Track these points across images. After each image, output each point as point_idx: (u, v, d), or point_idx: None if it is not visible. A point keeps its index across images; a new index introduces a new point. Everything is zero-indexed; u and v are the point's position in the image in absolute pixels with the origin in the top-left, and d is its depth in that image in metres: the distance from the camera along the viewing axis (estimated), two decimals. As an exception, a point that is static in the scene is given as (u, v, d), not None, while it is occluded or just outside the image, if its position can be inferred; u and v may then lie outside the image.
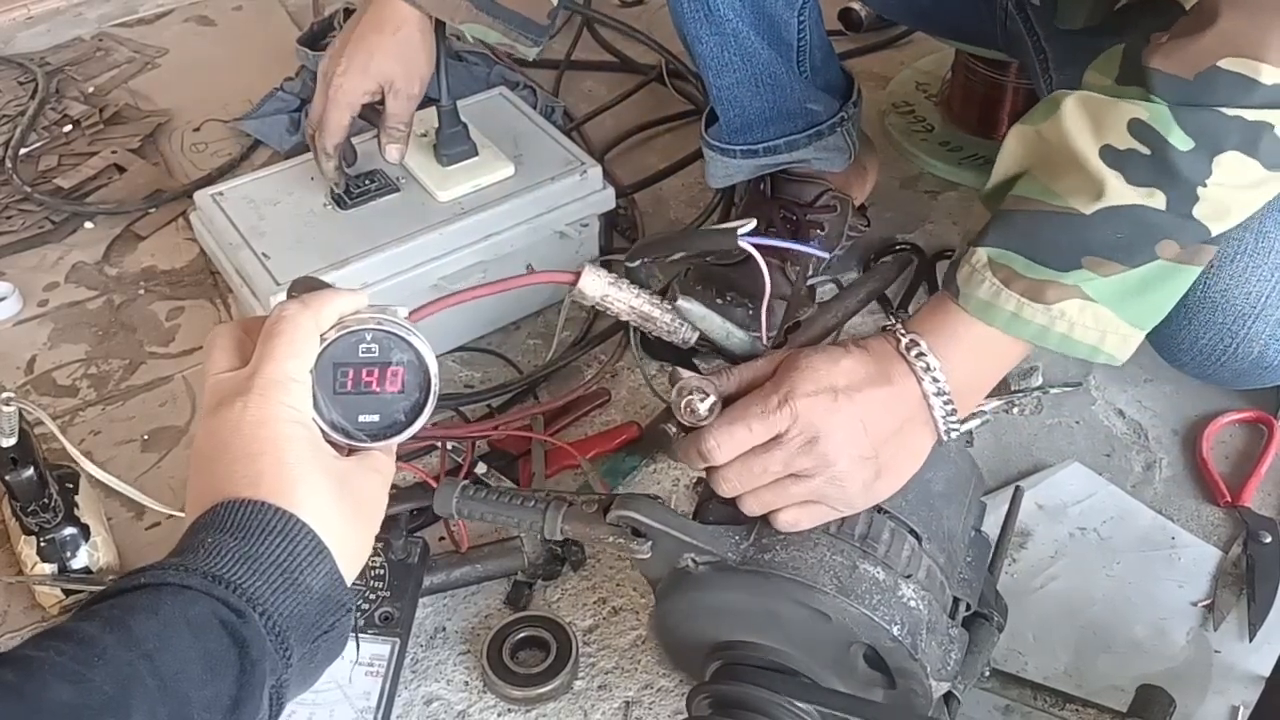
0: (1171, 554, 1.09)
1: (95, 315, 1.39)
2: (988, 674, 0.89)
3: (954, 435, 0.83)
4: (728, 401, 0.81)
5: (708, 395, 0.79)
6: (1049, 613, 1.05)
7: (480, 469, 1.17)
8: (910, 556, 0.83)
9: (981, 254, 0.81)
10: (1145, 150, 0.78)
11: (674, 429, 0.81)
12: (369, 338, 0.68)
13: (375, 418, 0.68)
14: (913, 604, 0.81)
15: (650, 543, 0.84)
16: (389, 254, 1.20)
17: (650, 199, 1.51)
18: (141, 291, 1.42)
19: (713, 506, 0.86)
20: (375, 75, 1.15)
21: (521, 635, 1.04)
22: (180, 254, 1.46)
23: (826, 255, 0.85)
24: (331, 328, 0.67)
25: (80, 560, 1.08)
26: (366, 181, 1.25)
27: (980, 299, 0.81)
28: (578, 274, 0.84)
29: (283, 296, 1.15)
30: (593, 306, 0.84)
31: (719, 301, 1.19)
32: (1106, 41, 0.85)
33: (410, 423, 0.69)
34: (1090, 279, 0.79)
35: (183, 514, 0.71)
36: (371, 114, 1.19)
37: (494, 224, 1.25)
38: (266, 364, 0.64)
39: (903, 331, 0.82)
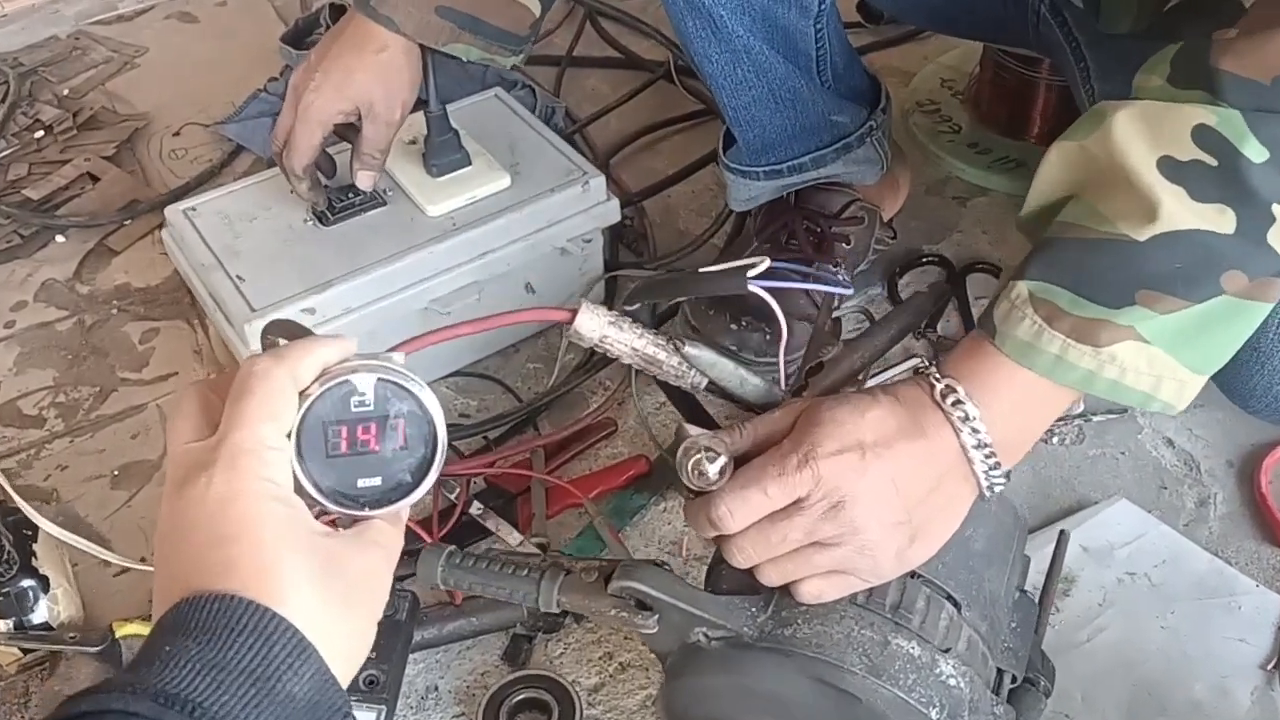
0: (1230, 602, 0.99)
1: (65, 338, 1.31)
2: (1035, 750, 0.80)
3: (997, 490, 0.74)
4: (741, 461, 0.72)
5: (718, 456, 0.70)
6: (1098, 669, 0.95)
7: (475, 509, 1.08)
8: (949, 627, 0.74)
9: (1021, 288, 0.72)
10: (1212, 161, 0.68)
11: (682, 492, 0.72)
12: (360, 388, 0.58)
13: (377, 480, 0.59)
14: (952, 682, 0.72)
15: (657, 616, 0.75)
16: (374, 275, 1.11)
17: (659, 207, 1.41)
18: (114, 311, 1.33)
19: (726, 572, 0.76)
20: (352, 96, 1.05)
21: (520, 698, 0.95)
22: (156, 270, 1.37)
23: (850, 292, 0.76)
24: (314, 381, 0.58)
25: (40, 615, 0.99)
26: (350, 195, 1.16)
27: (1019, 339, 0.71)
28: (573, 312, 0.75)
29: (259, 326, 1.08)
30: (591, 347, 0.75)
31: (733, 327, 1.10)
32: (1155, 47, 0.76)
33: (417, 483, 0.59)
34: (1146, 317, 0.69)
35: (150, 567, 0.62)
36: (349, 131, 1.10)
37: (489, 241, 1.15)
38: (235, 430, 0.55)
39: (937, 376, 0.73)
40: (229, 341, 1.11)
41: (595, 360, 1.22)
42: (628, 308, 0.77)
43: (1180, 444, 1.12)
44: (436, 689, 0.99)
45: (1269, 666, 0.94)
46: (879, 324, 0.81)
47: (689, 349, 0.73)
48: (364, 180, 1.12)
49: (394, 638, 0.94)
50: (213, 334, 1.27)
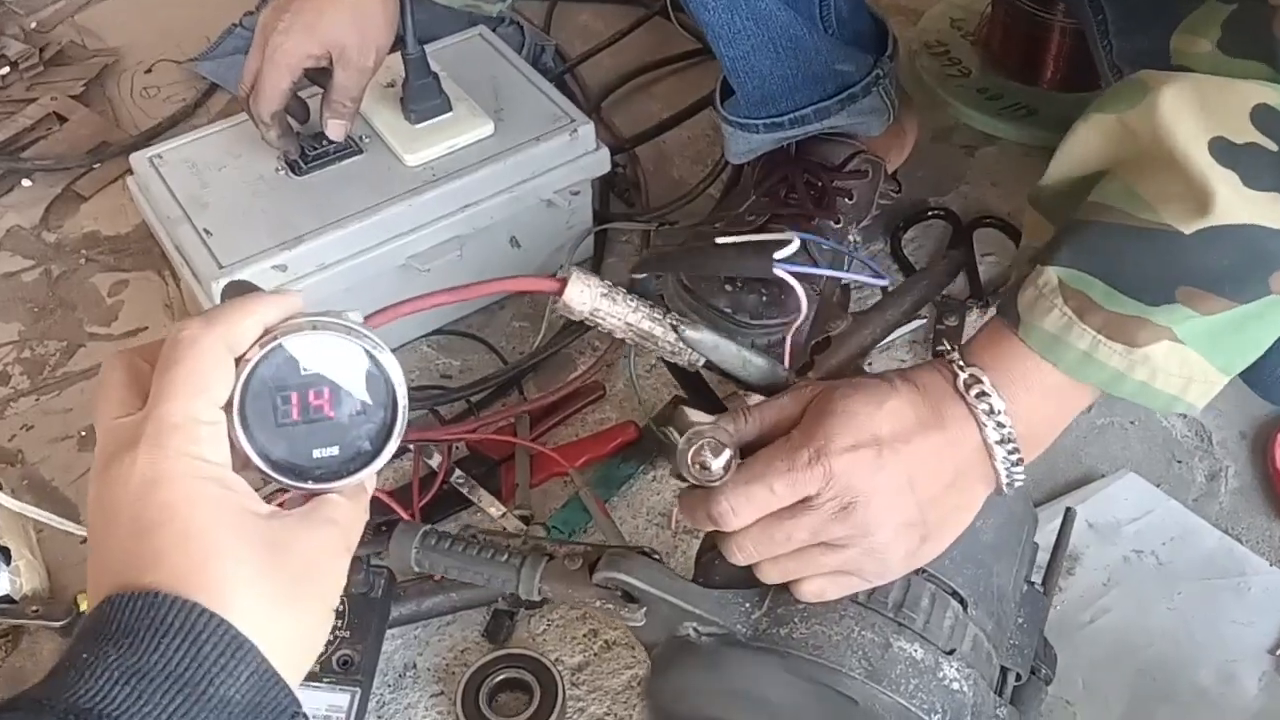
0: (1240, 583, 0.96)
1: (31, 289, 1.25)
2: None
3: (1017, 486, 0.69)
4: (746, 450, 0.67)
5: (723, 449, 0.65)
6: (1101, 653, 0.92)
7: (457, 477, 1.03)
8: (954, 626, 0.70)
9: (1051, 275, 0.66)
10: (1272, 146, 0.63)
11: (679, 480, 0.67)
12: (309, 348, 0.53)
13: (334, 450, 0.53)
14: (955, 686, 0.68)
15: (644, 609, 0.70)
16: (349, 230, 1.05)
17: (652, 154, 1.35)
18: (83, 261, 1.27)
19: (719, 562, 0.72)
20: (322, 39, 0.98)
21: (501, 678, 0.92)
22: (125, 217, 1.31)
23: (886, 283, 0.71)
24: (256, 343, 0.52)
25: (0, 587, 0.95)
26: (324, 142, 1.09)
27: (1046, 331, 0.66)
28: (563, 282, 0.70)
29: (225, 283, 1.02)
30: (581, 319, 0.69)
31: (728, 288, 1.04)
32: (1187, 6, 0.70)
33: (378, 450, 0.54)
34: (1186, 317, 0.64)
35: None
36: (320, 76, 1.03)
37: (471, 192, 1.10)
38: (161, 403, 0.49)
39: (961, 364, 0.68)
40: (198, 299, 1.05)
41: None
42: (635, 276, 0.71)
43: (1191, 414, 1.08)
44: (414, 666, 0.95)
45: (1277, 652, 0.91)
46: (892, 296, 0.75)
47: (689, 332, 0.68)
48: (334, 130, 1.06)
49: (369, 615, 0.90)
50: (184, 287, 1.21)
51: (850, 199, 1.11)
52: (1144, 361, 0.65)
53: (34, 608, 0.93)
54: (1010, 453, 0.68)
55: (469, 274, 1.15)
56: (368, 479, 0.55)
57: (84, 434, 1.11)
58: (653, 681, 0.74)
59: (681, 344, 0.71)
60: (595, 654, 0.94)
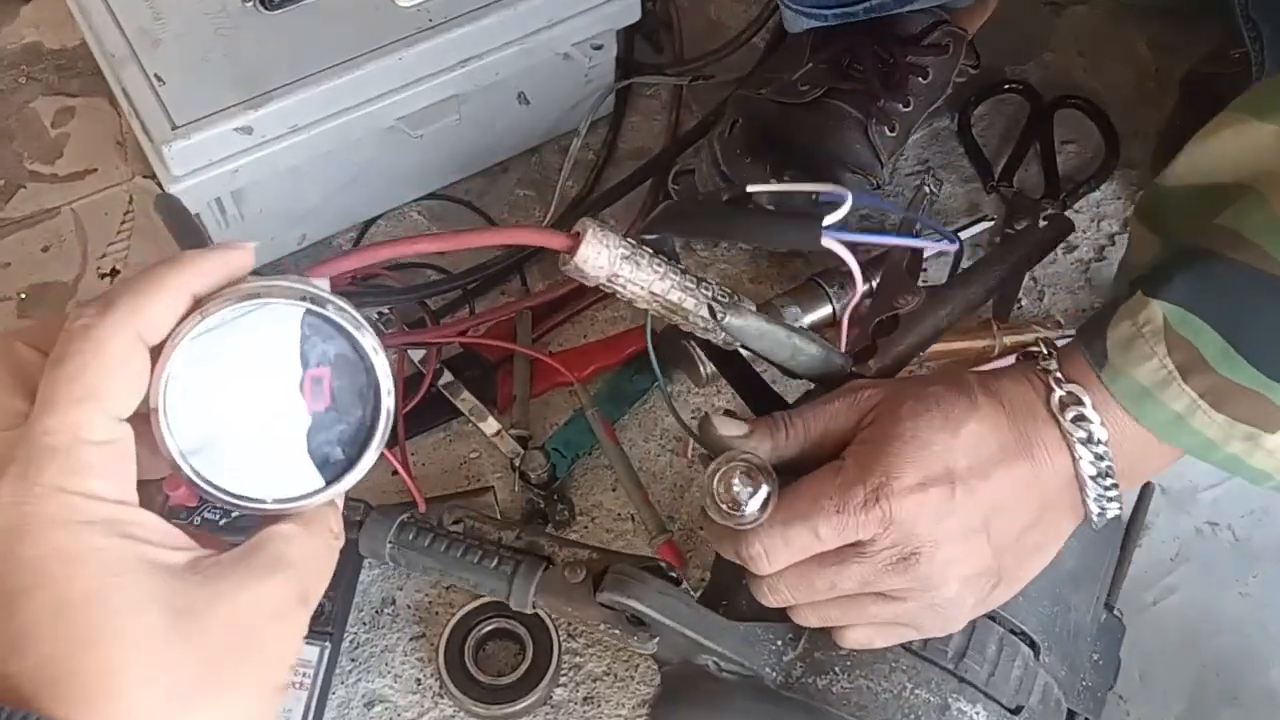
0: (1326, 568, 0.85)
1: (-38, 111, 1.09)
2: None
3: (1109, 518, 0.57)
4: (786, 469, 0.54)
5: (759, 486, 0.52)
6: (1162, 641, 0.82)
7: (446, 380, 0.91)
8: (1022, 677, 0.59)
9: (1156, 312, 0.52)
10: None
11: (706, 511, 0.54)
12: (257, 326, 0.39)
13: None
14: (1018, 748, 0.58)
15: (656, 638, 0.59)
16: (329, 85, 0.88)
17: (688, -12, 1.16)
18: (22, 80, 1.10)
19: (744, 585, 0.60)
20: None
21: (490, 627, 0.82)
22: (73, 27, 1.12)
23: (955, 246, 0.57)
24: (185, 318, 0.39)
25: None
26: (302, -29, 0.91)
27: (1136, 382, 0.53)
28: (575, 238, 0.55)
29: (183, 149, 0.85)
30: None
31: (772, 181, 0.88)
32: None
33: (352, 460, 0.41)
34: None
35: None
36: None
37: (474, 43, 0.92)
38: (36, 419, 0.37)
39: (1058, 377, 0.54)
40: (150, 159, 0.89)
41: (601, 190, 1.02)
42: (647, 236, 0.57)
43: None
44: (394, 603, 0.85)
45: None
46: (976, 269, 0.61)
47: (731, 319, 0.54)
48: None
49: (343, 558, 0.79)
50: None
51: (925, 78, 0.94)
52: (1248, 439, 0.52)
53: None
54: (1107, 488, 0.55)
55: (467, 141, 0.99)
56: (338, 497, 0.42)
57: (24, 296, 0.98)
58: (661, 709, 0.63)
59: (706, 314, 0.57)
60: (593, 602, 0.84)
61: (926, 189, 0.76)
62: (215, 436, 0.39)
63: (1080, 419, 0.53)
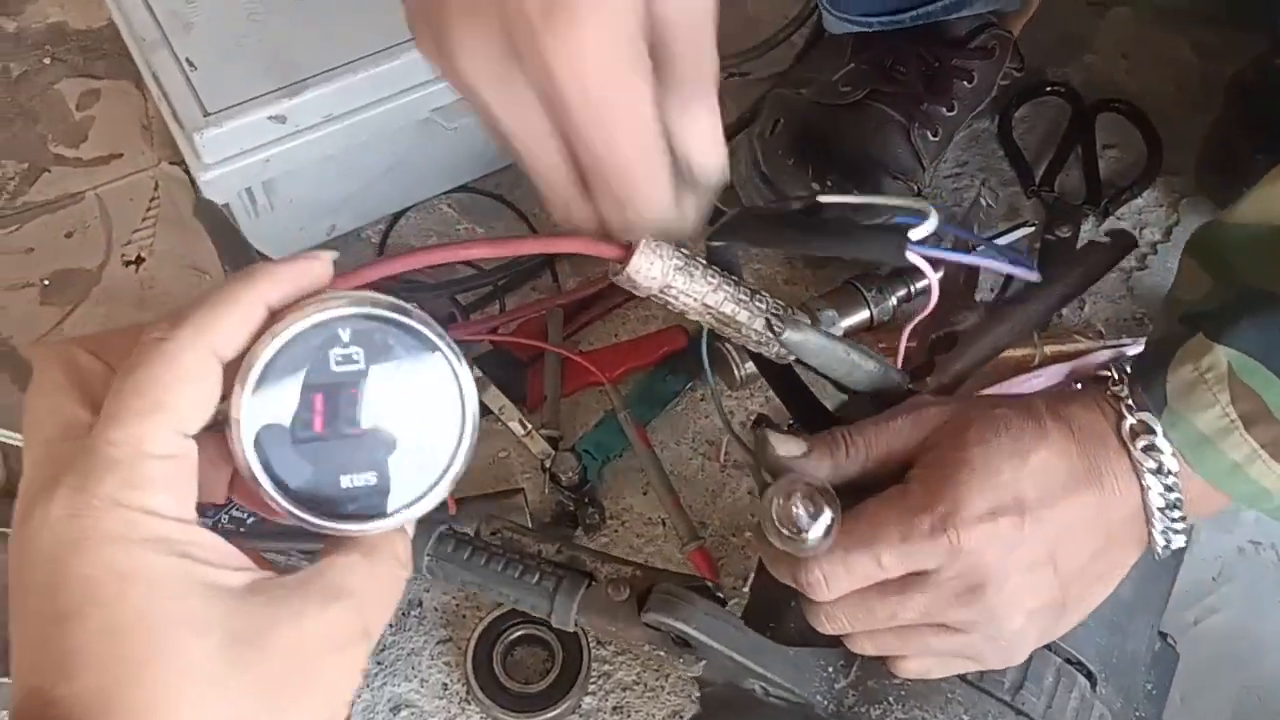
0: (1372, 591, 0.83)
1: (-13, 91, 1.07)
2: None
3: (1174, 549, 0.55)
4: (845, 487, 0.53)
5: (822, 512, 0.50)
6: (1202, 662, 0.80)
7: (475, 376, 0.89)
8: (1079, 710, 0.58)
9: (1220, 358, 0.51)
10: None
11: (763, 535, 0.53)
12: (346, 335, 0.38)
13: (370, 477, 0.38)
14: (1071, 780, 0.57)
15: (703, 660, 0.58)
16: (366, 75, 0.86)
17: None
18: (47, 61, 1.08)
19: (797, 605, 0.59)
20: None
21: (519, 633, 0.80)
22: (99, 6, 1.10)
23: (1037, 278, 0.55)
24: (265, 331, 0.37)
25: (-53, 476, 0.83)
26: (338, -45, 0.89)
27: (1196, 429, 0.51)
28: (628, 249, 0.53)
29: (214, 137, 0.83)
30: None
31: (815, 187, 0.87)
32: None
33: (430, 486, 0.39)
34: None
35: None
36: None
37: (512, 34, 0.90)
38: (101, 429, 0.35)
39: (1130, 405, 0.52)
40: (179, 146, 0.87)
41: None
42: (713, 244, 0.55)
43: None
44: (420, 604, 0.83)
45: None
46: (1037, 286, 0.59)
47: (790, 334, 0.52)
48: None
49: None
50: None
51: (970, 82, 0.92)
52: None
53: (-17, 508, 0.81)
54: (1175, 520, 0.53)
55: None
56: (408, 523, 0.40)
57: (48, 283, 0.96)
58: (703, 729, 0.62)
59: (762, 327, 0.55)
60: (624, 609, 0.83)
61: (982, 201, 0.74)
62: (286, 449, 0.38)
63: (1151, 449, 0.52)
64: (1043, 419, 0.52)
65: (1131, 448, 0.52)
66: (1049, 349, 0.90)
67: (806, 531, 0.50)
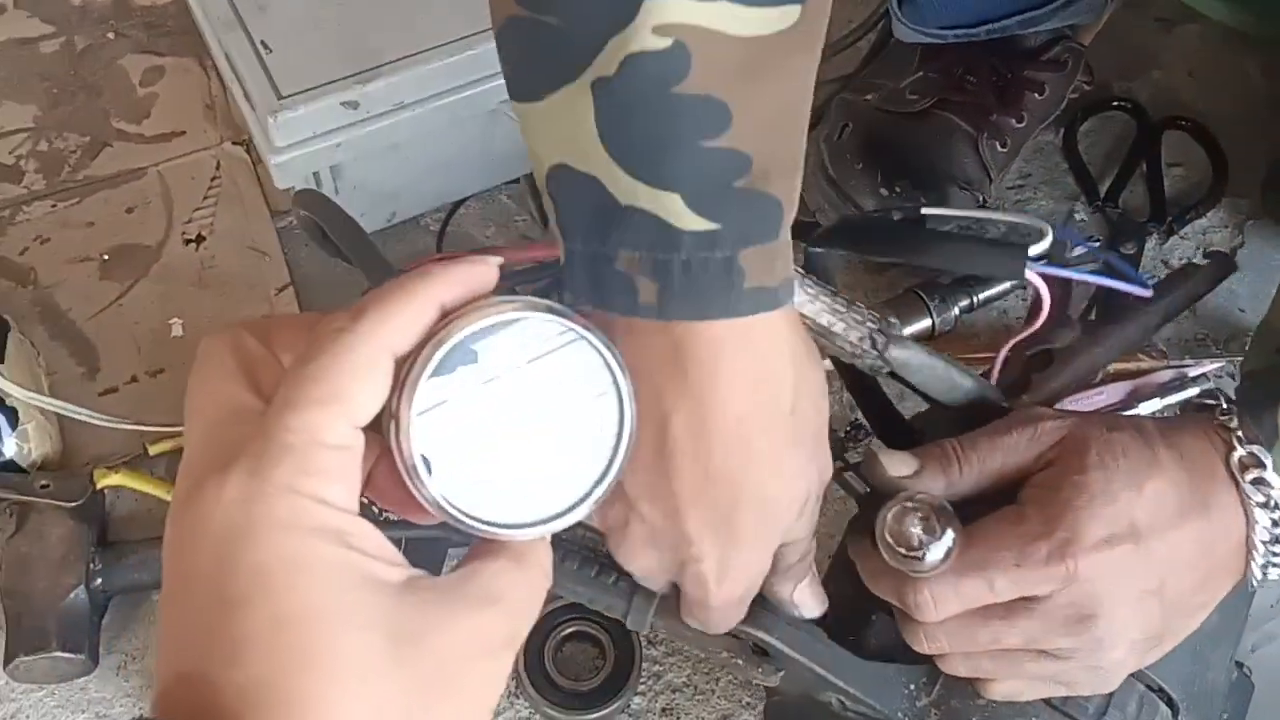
0: None
1: (50, 63, 1.06)
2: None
3: (1269, 582, 0.55)
4: (961, 507, 0.52)
5: (943, 534, 0.49)
6: (1260, 695, 0.79)
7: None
8: (1159, 737, 0.57)
9: None
10: None
11: (861, 548, 0.52)
12: (511, 338, 0.37)
13: (525, 482, 0.39)
14: (1148, 810, 0.56)
15: (782, 671, 0.57)
16: (440, 64, 0.86)
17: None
18: (111, 35, 1.08)
19: (878, 620, 0.58)
20: None
21: (571, 629, 0.80)
22: (164, -18, 1.11)
23: (1149, 293, 0.55)
24: (435, 332, 0.37)
25: (7, 450, 0.82)
26: (415, -57, 0.89)
27: None
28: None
29: (288, 120, 0.83)
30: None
31: (883, 193, 0.86)
32: None
33: (584, 494, 0.39)
34: None
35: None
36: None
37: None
38: (280, 414, 0.35)
39: (1240, 437, 0.52)
40: (250, 131, 0.87)
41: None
42: (814, 250, 0.54)
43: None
44: (472, 597, 0.83)
45: None
46: (1136, 313, 0.59)
47: (894, 351, 0.52)
48: None
49: (430, 562, 0.77)
50: (230, 98, 1.02)
51: (1041, 94, 0.91)
52: None
53: (43, 482, 0.81)
54: (1276, 552, 0.53)
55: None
56: (550, 534, 0.40)
57: (107, 258, 0.96)
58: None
59: (866, 344, 0.55)
60: (678, 611, 0.83)
61: (1077, 216, 0.73)
62: (448, 450, 0.37)
63: (1261, 482, 0.52)
64: (1156, 446, 0.52)
65: (1240, 480, 0.52)
66: (1112, 366, 0.89)
67: (924, 553, 0.49)
